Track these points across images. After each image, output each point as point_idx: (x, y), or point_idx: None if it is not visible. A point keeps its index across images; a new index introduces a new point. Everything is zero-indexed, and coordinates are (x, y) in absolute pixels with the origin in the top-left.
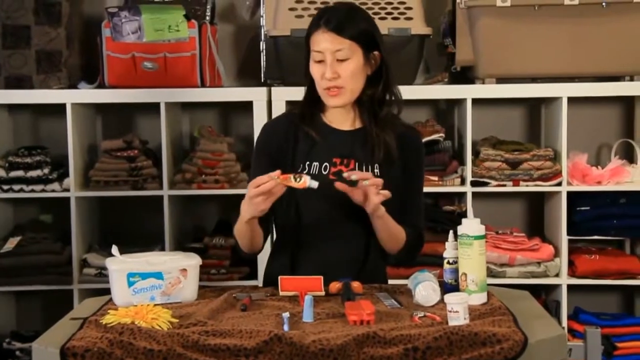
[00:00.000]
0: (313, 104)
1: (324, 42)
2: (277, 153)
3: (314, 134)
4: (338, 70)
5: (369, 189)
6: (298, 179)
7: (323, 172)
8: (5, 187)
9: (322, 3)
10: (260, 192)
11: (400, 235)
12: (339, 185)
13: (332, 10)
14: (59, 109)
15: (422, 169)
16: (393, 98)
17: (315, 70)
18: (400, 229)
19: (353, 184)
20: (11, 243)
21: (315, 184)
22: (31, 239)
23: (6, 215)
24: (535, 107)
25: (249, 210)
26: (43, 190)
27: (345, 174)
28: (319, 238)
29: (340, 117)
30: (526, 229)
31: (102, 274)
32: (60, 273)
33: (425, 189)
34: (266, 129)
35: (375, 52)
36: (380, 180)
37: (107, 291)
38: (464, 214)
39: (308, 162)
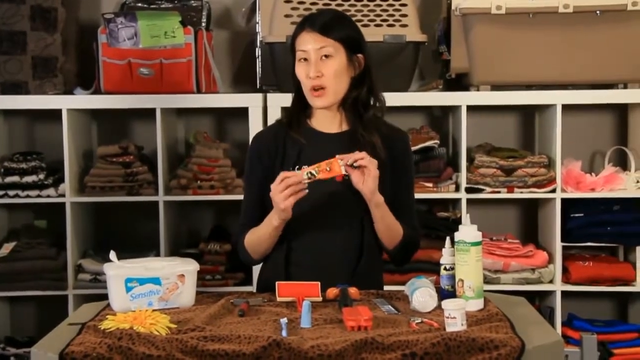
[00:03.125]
0: (300, 110)
1: (309, 42)
2: (268, 161)
3: (301, 139)
4: (321, 68)
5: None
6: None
7: None
8: (1, 192)
9: (317, 10)
10: (291, 191)
11: (398, 229)
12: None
13: (316, 14)
14: (55, 114)
15: (411, 170)
16: (377, 103)
17: (300, 70)
18: (398, 223)
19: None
20: (6, 248)
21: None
22: (26, 245)
23: (1, 221)
24: (529, 114)
25: (277, 214)
26: (38, 196)
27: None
28: (312, 239)
29: (327, 121)
30: (520, 236)
31: (97, 279)
32: (55, 278)
33: (420, 196)
34: (256, 139)
35: (359, 55)
36: (354, 155)
37: (102, 297)
38: (458, 221)
39: (297, 167)
